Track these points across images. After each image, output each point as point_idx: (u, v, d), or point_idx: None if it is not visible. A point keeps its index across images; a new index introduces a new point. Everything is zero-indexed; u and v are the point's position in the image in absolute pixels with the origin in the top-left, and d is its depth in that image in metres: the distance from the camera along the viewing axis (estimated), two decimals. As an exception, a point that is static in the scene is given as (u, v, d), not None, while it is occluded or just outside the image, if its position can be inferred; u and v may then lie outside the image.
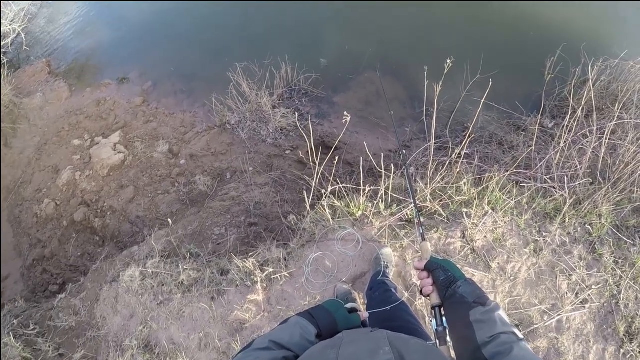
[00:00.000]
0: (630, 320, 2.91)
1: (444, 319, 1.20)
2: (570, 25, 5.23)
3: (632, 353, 2.81)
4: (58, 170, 4.77)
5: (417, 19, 5.46)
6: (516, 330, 0.98)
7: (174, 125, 4.94)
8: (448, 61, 2.73)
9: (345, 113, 2.30)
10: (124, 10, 6.78)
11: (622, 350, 2.82)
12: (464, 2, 5.57)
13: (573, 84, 3.72)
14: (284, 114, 4.56)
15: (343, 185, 2.89)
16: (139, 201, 4.21)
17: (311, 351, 0.94)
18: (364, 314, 1.34)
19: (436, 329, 1.20)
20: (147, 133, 4.86)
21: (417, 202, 2.98)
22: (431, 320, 1.23)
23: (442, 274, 1.21)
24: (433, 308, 1.23)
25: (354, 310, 1.30)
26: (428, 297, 1.26)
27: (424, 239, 1.46)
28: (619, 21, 5.62)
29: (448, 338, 1.16)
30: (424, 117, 4.24)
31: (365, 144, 2.94)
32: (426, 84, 3.09)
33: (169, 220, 3.33)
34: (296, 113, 4.65)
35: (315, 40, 5.48)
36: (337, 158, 3.34)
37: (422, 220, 1.57)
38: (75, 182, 4.56)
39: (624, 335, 2.87)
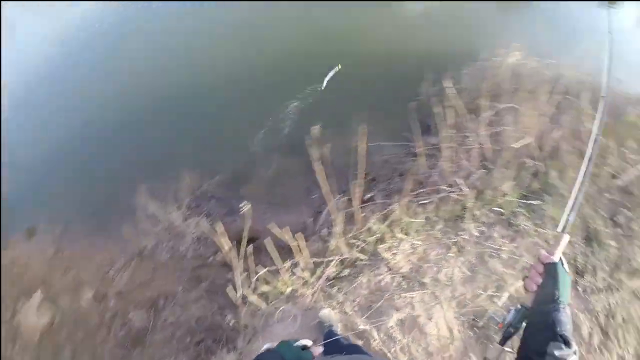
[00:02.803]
0: (573, 261, 3.13)
1: (523, 323, 1.20)
2: (431, 48, 5.73)
3: (589, 286, 3.01)
4: (-13, 353, 4.59)
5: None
6: None
7: (93, 268, 4.86)
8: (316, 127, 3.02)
9: (245, 202, 2.53)
10: (17, 158, 6.51)
11: (579, 288, 3.00)
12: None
13: (447, 93, 4.10)
14: (197, 222, 4.68)
15: (265, 270, 3.09)
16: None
17: None
18: (317, 349, 1.29)
19: (509, 325, 1.23)
20: (68, 284, 4.75)
21: (339, 257, 3.20)
22: (509, 311, 1.25)
23: (551, 287, 1.17)
24: (522, 305, 1.24)
25: (305, 348, 1.26)
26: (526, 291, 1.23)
27: (563, 231, 1.33)
28: (475, 27, 6.25)
29: (510, 345, 1.20)
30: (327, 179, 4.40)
31: (276, 224, 3.12)
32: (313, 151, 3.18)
33: None
34: (208, 218, 4.73)
35: (206, 142, 5.70)
36: (252, 247, 3.49)
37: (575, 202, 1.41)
38: (9, 358, 4.33)
39: (574, 275, 3.06)
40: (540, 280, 1.20)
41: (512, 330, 1.24)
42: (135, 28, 7.93)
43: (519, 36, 4.90)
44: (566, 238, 1.29)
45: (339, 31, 6.64)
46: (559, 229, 1.36)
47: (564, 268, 1.23)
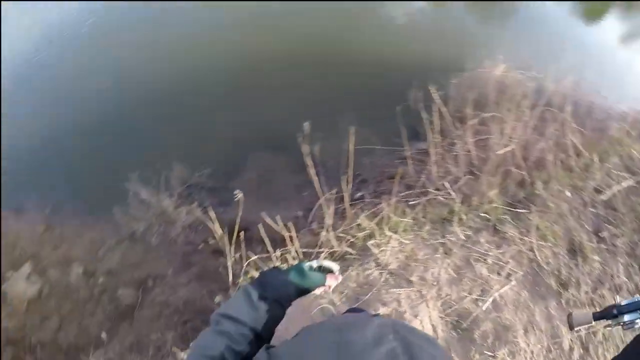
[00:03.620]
0: (557, 273, 3.19)
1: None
2: (418, 57, 5.93)
3: (573, 298, 3.07)
4: (-26, 317, 4.53)
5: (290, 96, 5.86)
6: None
7: (84, 245, 4.89)
8: (306, 125, 3.10)
9: (237, 191, 2.59)
10: (11, 137, 6.51)
11: (563, 300, 3.06)
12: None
13: (436, 102, 4.18)
14: (188, 210, 4.70)
15: (256, 257, 3.14)
16: (66, 329, 4.04)
17: (308, 334, 0.91)
18: (334, 277, 1.19)
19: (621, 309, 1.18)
20: (58, 258, 4.78)
21: (329, 249, 3.27)
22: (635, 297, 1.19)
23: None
24: None
25: (320, 269, 1.18)
26: None
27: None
28: (459, 37, 6.48)
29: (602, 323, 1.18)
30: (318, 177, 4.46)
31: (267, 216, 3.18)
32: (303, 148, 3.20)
33: (104, 334, 3.41)
34: (200, 207, 4.70)
35: (197, 134, 5.75)
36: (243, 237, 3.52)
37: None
38: (-6, 325, 4.34)
39: (557, 287, 3.12)
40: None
41: (616, 312, 1.19)
42: (130, 20, 8.10)
43: (504, 48, 5.07)
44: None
45: (328, 34, 6.85)
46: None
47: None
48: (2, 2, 8.05)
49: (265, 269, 1.19)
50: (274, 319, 1.05)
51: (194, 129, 5.83)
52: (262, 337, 0.99)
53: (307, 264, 1.15)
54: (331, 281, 1.18)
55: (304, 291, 1.13)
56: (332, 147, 4.12)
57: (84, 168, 5.79)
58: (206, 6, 7.70)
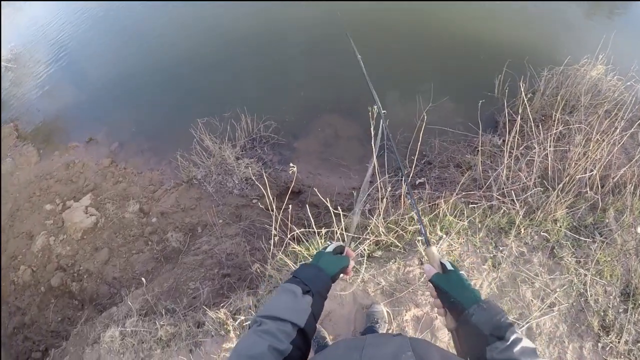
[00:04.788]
0: (602, 314, 3.00)
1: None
2: (514, 41, 5.56)
3: (611, 345, 2.88)
4: (32, 236, 4.82)
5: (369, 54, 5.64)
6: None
7: (142, 184, 5.03)
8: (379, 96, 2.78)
9: (291, 164, 2.37)
10: (89, 72, 6.99)
11: (600, 344, 2.89)
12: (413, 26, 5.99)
13: (522, 98, 3.83)
14: (247, 164, 4.66)
15: (300, 231, 2.96)
16: (114, 262, 4.28)
17: (334, 350, 0.95)
18: (351, 252, 1.31)
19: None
20: (117, 194, 4.94)
21: (375, 237, 3.07)
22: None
23: (447, 300, 1.07)
24: (450, 331, 1.10)
25: (339, 251, 1.28)
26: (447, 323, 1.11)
27: (429, 244, 1.23)
28: (560, 29, 6.02)
29: None
30: (385, 152, 4.26)
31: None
32: (374, 119, 3.09)
33: (143, 279, 3.41)
34: (259, 162, 4.76)
35: (271, 88, 5.71)
36: (297, 201, 3.42)
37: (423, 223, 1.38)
38: (50, 247, 4.61)
39: (598, 329, 2.94)
40: (439, 302, 1.11)
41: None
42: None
43: (606, 48, 4.51)
44: (433, 250, 1.20)
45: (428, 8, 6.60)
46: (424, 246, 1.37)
47: (448, 263, 1.15)
48: (2, 2, 7.51)
49: (300, 264, 1.25)
50: (316, 313, 1.09)
51: (268, 83, 5.83)
52: (305, 332, 1.01)
53: (327, 251, 1.25)
54: (351, 260, 1.29)
55: (335, 277, 1.20)
56: (406, 120, 3.87)
57: (154, 109, 5.99)
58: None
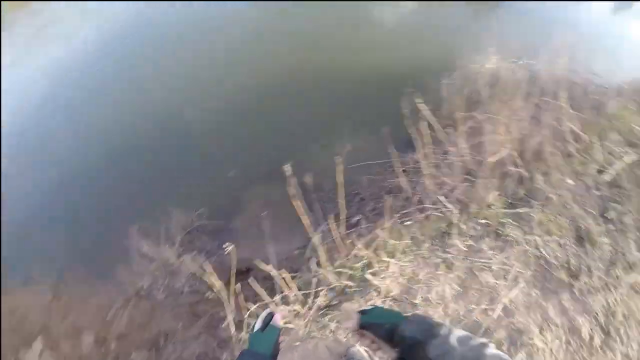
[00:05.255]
0: (566, 265, 3.08)
1: None
2: (413, 57, 5.90)
3: (585, 286, 2.96)
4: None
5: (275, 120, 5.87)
6: (479, 340, 0.96)
7: (91, 311, 4.82)
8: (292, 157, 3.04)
9: (226, 245, 2.62)
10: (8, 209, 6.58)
11: (575, 291, 2.95)
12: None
13: (421, 111, 4.01)
14: (192, 258, 4.65)
15: (256, 306, 3.14)
16: None
17: None
18: (278, 316, 1.29)
19: None
20: (68, 329, 4.69)
21: (328, 286, 3.25)
22: None
23: (379, 329, 1.15)
24: None
25: (268, 320, 1.26)
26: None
27: (340, 302, 1.35)
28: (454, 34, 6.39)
29: None
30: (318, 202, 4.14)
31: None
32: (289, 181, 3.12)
33: None
34: (202, 253, 4.73)
35: (192, 176, 5.70)
36: (246, 280, 3.49)
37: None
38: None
39: (568, 279, 3.02)
40: (372, 336, 1.19)
41: None
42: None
43: (494, 39, 4.96)
44: (345, 306, 1.31)
45: (313, 58, 6.72)
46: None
47: (367, 308, 1.24)
48: (2, 2, 8.31)
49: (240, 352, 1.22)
50: None
51: (186, 171, 5.81)
52: None
53: (255, 330, 1.23)
54: (280, 322, 1.27)
55: (274, 351, 1.19)
56: (328, 170, 4.08)
57: (83, 231, 5.77)
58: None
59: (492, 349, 0.92)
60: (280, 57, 6.89)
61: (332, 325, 3.11)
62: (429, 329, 1.02)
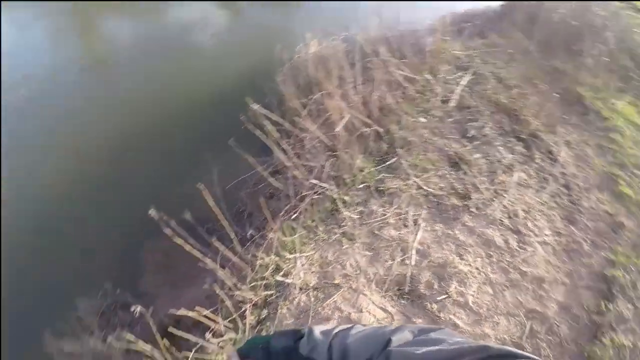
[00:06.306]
0: (453, 191, 3.36)
1: None
2: (246, 68, 6.11)
3: (478, 202, 3.24)
4: None
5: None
6: (338, 328, 1.02)
7: None
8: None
9: (133, 306, 2.49)
10: None
11: (473, 210, 3.24)
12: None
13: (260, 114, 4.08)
14: (115, 337, 4.28)
15: (193, 352, 3.04)
16: None
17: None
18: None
19: None
20: None
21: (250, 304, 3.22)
22: None
23: (257, 352, 1.14)
24: None
25: None
26: None
27: (220, 347, 1.31)
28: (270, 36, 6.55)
29: None
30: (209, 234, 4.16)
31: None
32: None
33: None
34: (124, 328, 4.28)
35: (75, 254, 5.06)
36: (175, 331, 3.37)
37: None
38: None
39: (461, 202, 3.28)
40: None
41: None
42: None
43: (310, 27, 5.21)
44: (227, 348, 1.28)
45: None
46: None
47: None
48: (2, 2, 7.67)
49: None
50: None
51: (65, 251, 5.09)
52: None
53: None
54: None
55: None
56: (202, 200, 4.00)
57: None
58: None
59: (355, 329, 0.99)
60: (111, 117, 6.41)
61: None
62: (295, 333, 1.08)
